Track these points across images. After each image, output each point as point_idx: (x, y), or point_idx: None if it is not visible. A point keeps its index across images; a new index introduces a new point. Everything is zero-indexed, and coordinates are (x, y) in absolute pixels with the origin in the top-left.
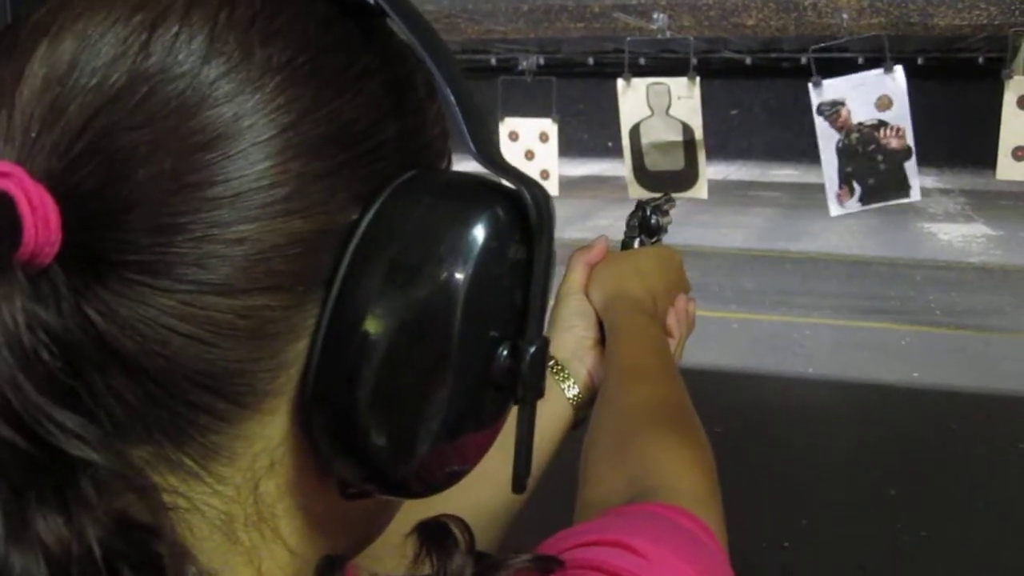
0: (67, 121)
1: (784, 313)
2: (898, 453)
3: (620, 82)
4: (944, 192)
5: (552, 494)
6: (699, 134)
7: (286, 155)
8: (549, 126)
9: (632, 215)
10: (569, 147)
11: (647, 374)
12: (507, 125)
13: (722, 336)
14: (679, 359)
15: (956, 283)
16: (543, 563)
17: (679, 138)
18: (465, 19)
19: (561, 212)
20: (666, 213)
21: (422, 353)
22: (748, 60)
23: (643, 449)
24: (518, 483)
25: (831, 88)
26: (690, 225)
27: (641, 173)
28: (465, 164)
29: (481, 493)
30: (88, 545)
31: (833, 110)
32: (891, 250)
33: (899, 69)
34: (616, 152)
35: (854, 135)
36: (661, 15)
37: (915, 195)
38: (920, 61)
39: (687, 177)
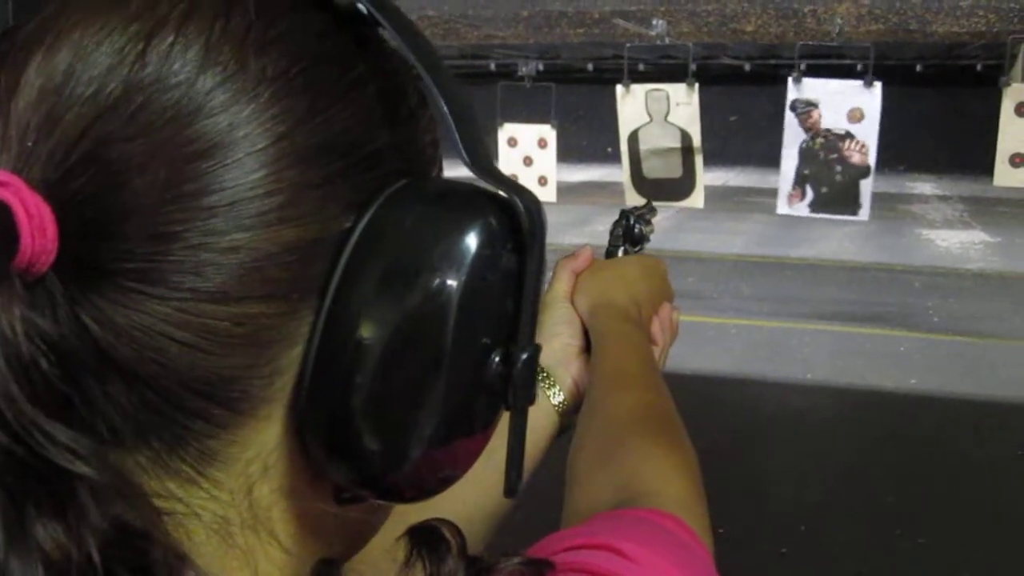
0: (63, 130)
1: (782, 319)
2: (896, 459)
3: (619, 88)
4: (942, 199)
5: (539, 498)
6: (697, 141)
7: (280, 164)
8: (548, 132)
9: (616, 224)
10: (568, 153)
11: (632, 381)
12: (506, 131)
13: (720, 342)
14: (663, 366)
15: (954, 289)
16: (534, 566)
17: (677, 144)
18: (465, 24)
19: (559, 218)
20: (649, 222)
21: (415, 360)
22: (747, 66)
23: (629, 456)
24: (510, 488)
25: (809, 87)
26: (688, 231)
27: (639, 180)
28: (458, 172)
29: (468, 496)
30: (87, 552)
31: (805, 109)
32: (889, 256)
33: (878, 85)
34: (615, 158)
35: (819, 140)
36: (660, 21)
37: (863, 215)
38: (919, 68)
39: (684, 185)
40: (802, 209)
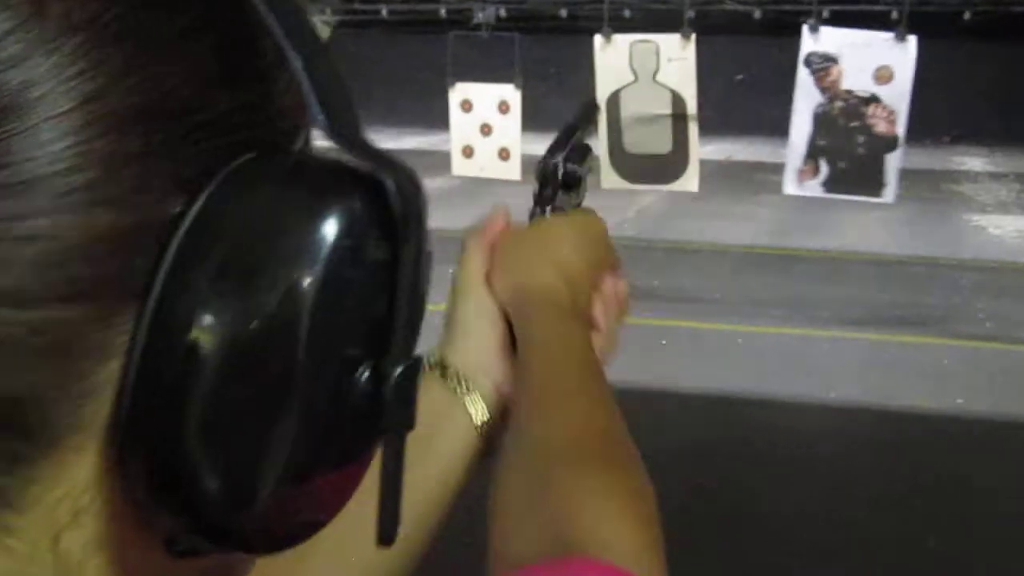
0: None
1: (800, 325)
2: (939, 496)
3: (598, 39)
4: (994, 176)
5: (466, 538)
6: (692, 106)
7: (89, 132)
8: (511, 93)
9: (539, 171)
10: (536, 119)
11: (564, 394)
12: (458, 92)
13: (724, 354)
14: (609, 358)
15: (1009, 288)
16: None
17: (667, 110)
18: None
19: (525, 199)
20: (583, 160)
21: (260, 376)
22: (757, 13)
23: (564, 494)
24: (384, 535)
25: (828, 39)
26: (682, 218)
27: (618, 155)
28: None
29: (364, 549)
30: None
31: (822, 65)
32: (930, 247)
33: (913, 40)
34: (593, 126)
35: (838, 103)
36: None
37: (888, 196)
38: (967, 16)
39: (674, 163)
40: (814, 188)
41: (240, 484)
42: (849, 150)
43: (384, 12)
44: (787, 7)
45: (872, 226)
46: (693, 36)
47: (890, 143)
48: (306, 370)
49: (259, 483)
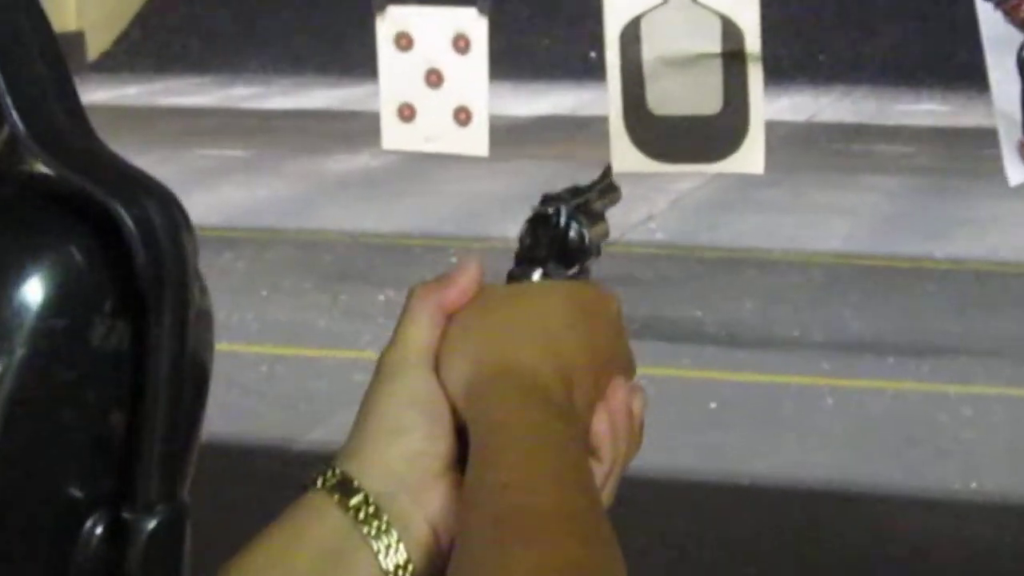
0: None
1: (924, 377)
2: None
3: None
4: None
5: None
6: (754, 39)
7: None
8: (472, 22)
9: (532, 220)
10: (513, 63)
11: (542, 525)
12: (390, 21)
13: (807, 423)
14: (610, 496)
15: None
16: None
17: (715, 48)
18: None
19: (492, 185)
20: (599, 217)
21: None
22: None
23: None
24: None
25: None
26: (741, 211)
27: (639, 119)
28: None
29: None
30: None
31: None
32: None
33: None
34: (599, 72)
35: None
36: None
37: None
38: None
39: (725, 130)
40: None
41: None
42: None
43: None
44: None
45: None
46: None
47: None
48: None
49: None
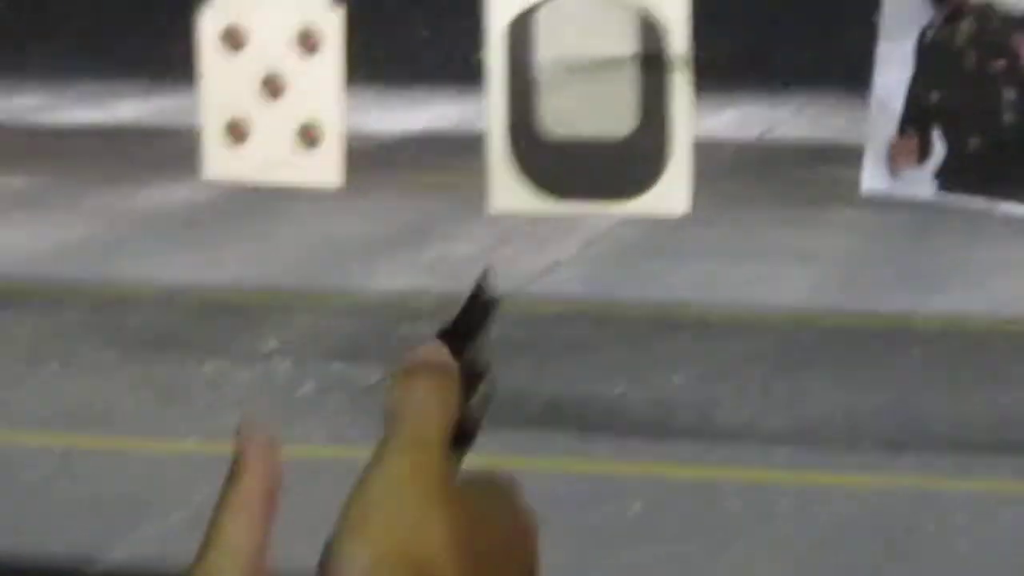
0: None
1: (906, 470)
2: None
3: None
4: None
5: None
6: (681, 39)
7: None
8: (321, 14)
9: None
10: (379, 65)
11: None
12: (216, 13)
13: (757, 527)
14: None
15: None
16: None
17: (630, 50)
18: None
19: (350, 228)
20: (474, 391)
21: None
22: None
23: None
24: None
25: None
26: (672, 257)
27: (528, 143)
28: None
29: None
30: None
31: None
32: None
33: None
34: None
35: (965, 25)
36: None
37: None
38: None
39: (641, 160)
40: (919, 184)
41: None
42: (989, 112)
43: None
44: None
45: None
46: None
47: None
48: None
49: None
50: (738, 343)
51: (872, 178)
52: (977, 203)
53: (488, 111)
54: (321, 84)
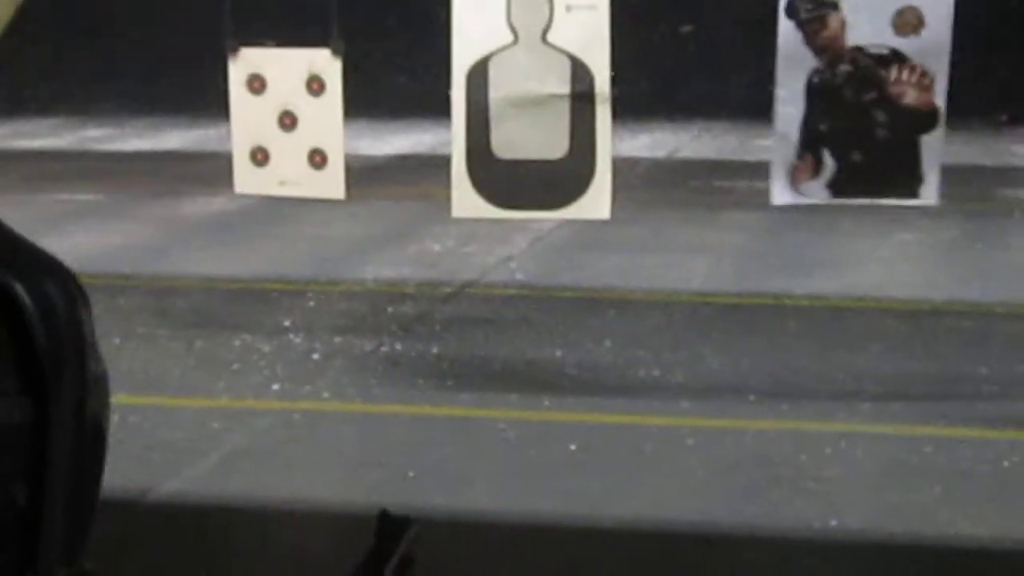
0: None
1: (786, 416)
2: None
3: None
4: None
5: None
6: (603, 80)
7: None
8: (326, 62)
9: None
10: (369, 102)
11: None
12: (242, 63)
13: (668, 461)
14: None
15: None
16: None
17: (564, 89)
18: None
19: (351, 230)
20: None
21: None
22: None
23: None
24: None
25: None
26: (600, 251)
27: (483, 163)
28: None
29: None
30: None
31: (814, 14)
32: (984, 289)
33: None
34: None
35: (843, 67)
36: None
37: (929, 196)
38: None
39: (572, 176)
40: (816, 192)
41: None
42: (865, 135)
43: None
44: None
45: (896, 259)
46: None
47: (927, 119)
48: None
49: None
50: (652, 318)
51: (780, 194)
52: (859, 201)
53: (453, 137)
54: (326, 118)
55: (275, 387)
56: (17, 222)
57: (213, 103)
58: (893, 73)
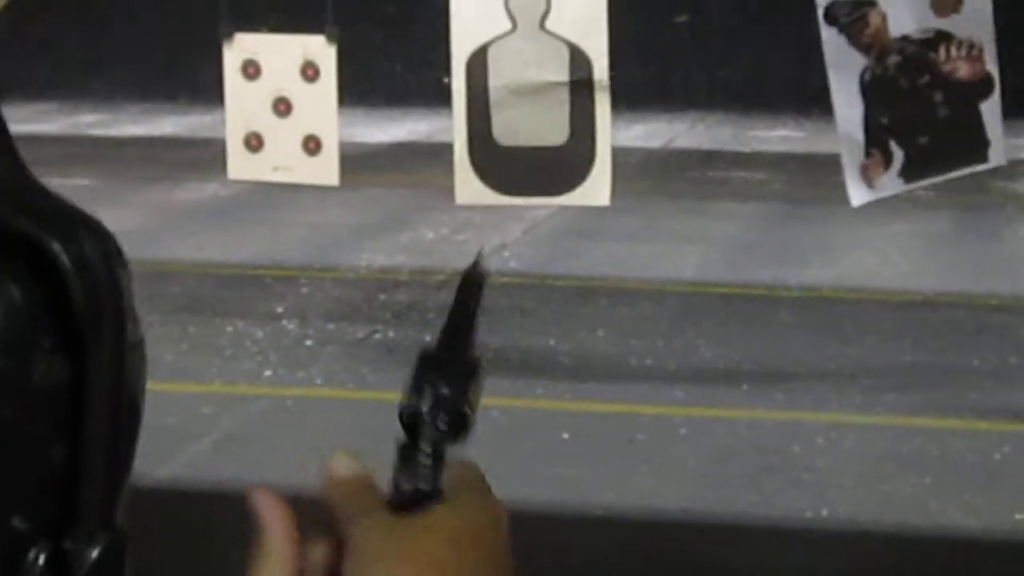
0: None
1: (778, 405)
2: None
3: None
4: None
5: None
6: (602, 68)
7: None
8: (320, 49)
9: (402, 448)
10: (364, 89)
11: None
12: (238, 48)
13: (661, 450)
14: None
15: None
16: None
17: (563, 77)
18: None
19: (345, 217)
20: (467, 390)
21: None
22: None
23: None
24: None
25: None
26: (595, 239)
27: (484, 149)
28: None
29: None
30: None
31: (855, 15)
32: (975, 280)
33: None
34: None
35: (892, 59)
36: None
37: (997, 158)
38: None
39: (573, 163)
40: (891, 184)
41: None
42: (927, 116)
43: None
44: None
45: (887, 249)
46: None
47: (982, 87)
48: None
49: None
50: (645, 307)
51: (857, 194)
52: (929, 182)
53: (454, 125)
54: (320, 105)
55: (268, 373)
56: None
57: (207, 89)
58: (942, 53)
